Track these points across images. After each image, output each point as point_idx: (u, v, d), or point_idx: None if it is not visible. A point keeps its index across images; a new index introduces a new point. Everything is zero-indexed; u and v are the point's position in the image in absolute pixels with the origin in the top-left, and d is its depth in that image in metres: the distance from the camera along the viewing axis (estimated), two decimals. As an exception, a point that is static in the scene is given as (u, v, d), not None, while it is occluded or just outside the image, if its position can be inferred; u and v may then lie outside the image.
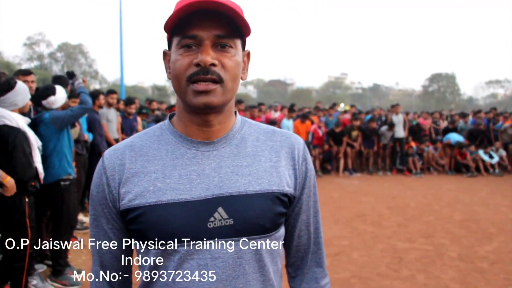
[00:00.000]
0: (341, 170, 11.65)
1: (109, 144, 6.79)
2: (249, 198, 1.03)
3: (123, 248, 1.13)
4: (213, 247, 1.01)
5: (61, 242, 4.22)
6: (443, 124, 13.83)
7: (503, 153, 12.22)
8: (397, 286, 4.21)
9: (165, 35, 1.08)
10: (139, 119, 7.88)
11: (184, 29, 1.00)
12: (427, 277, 4.42)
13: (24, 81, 4.09)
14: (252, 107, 11.58)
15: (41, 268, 4.31)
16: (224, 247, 1.01)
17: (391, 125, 11.78)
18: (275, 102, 13.88)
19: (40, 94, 4.37)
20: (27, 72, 4.42)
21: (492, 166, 12.01)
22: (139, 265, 1.11)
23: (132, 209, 1.03)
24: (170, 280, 1.02)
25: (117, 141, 7.06)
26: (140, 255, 1.09)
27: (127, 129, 7.49)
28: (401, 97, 68.28)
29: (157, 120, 8.66)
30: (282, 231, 1.12)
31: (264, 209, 1.04)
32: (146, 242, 1.04)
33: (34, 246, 3.65)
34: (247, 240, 1.03)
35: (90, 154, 6.06)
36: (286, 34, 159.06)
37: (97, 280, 1.15)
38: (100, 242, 1.12)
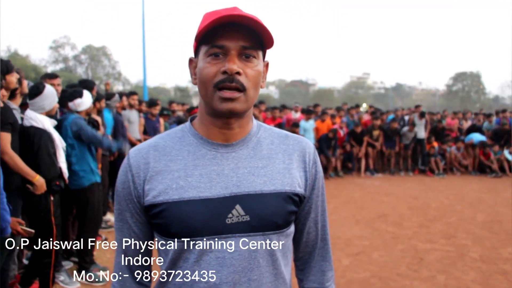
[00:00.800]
0: (363, 171, 11.61)
1: (132, 145, 6.94)
2: (264, 197, 1.12)
3: (146, 241, 1.21)
4: (230, 241, 1.10)
5: (86, 240, 4.39)
6: (467, 124, 13.64)
7: (529, 153, 11.98)
8: (417, 286, 4.21)
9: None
10: (161, 120, 8.02)
11: (213, 39, 1.08)
12: (447, 278, 4.41)
13: (51, 84, 4.25)
14: (274, 108, 11.63)
15: (68, 265, 4.45)
16: (241, 242, 1.10)
17: (413, 125, 11.71)
18: (295, 103, 13.84)
19: (68, 96, 4.53)
20: (53, 76, 4.58)
21: (517, 166, 11.79)
22: (160, 257, 1.19)
23: (156, 205, 1.11)
24: (190, 270, 1.11)
25: (139, 141, 7.20)
26: (161, 247, 1.16)
27: (150, 130, 7.63)
28: (424, 96, 67.46)
29: (179, 121, 8.79)
30: (292, 228, 1.21)
31: (277, 207, 1.13)
32: (168, 236, 1.12)
33: (60, 243, 3.80)
34: (261, 236, 1.12)
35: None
36: (308, 33, 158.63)
37: (120, 270, 1.23)
38: (124, 234, 1.20)
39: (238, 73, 1.08)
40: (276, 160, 1.18)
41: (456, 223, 6.66)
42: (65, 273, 4.08)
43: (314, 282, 1.32)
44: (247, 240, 1.11)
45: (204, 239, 1.09)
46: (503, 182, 10.75)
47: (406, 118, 12.97)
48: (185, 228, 1.09)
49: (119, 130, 6.27)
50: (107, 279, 4.25)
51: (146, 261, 1.24)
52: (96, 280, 4.18)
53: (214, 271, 1.09)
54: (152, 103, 7.91)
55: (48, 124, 3.59)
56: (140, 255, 1.22)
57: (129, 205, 1.17)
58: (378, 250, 5.32)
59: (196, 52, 1.16)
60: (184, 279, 1.12)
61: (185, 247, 1.11)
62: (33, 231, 3.19)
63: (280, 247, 1.16)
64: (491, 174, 11.60)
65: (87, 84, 5.61)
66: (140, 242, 1.21)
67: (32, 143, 3.45)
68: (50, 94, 3.67)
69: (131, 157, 1.18)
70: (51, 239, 3.53)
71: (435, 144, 11.98)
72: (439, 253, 5.18)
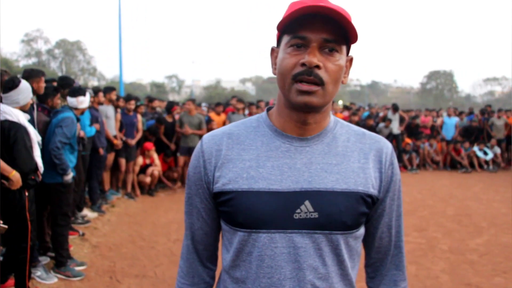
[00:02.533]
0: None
1: (108, 141, 6.91)
2: (335, 195, 1.08)
3: (213, 226, 1.21)
4: (297, 237, 1.06)
5: (60, 234, 4.36)
6: (440, 120, 13.96)
7: (497, 150, 12.38)
8: (389, 277, 4.34)
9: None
10: (139, 116, 8.00)
11: (295, 29, 1.05)
12: (418, 268, 4.56)
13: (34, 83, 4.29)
14: (251, 104, 11.70)
15: (44, 260, 4.43)
16: (307, 238, 1.06)
17: (389, 120, 11.92)
18: (273, 100, 13.92)
19: (72, 92, 4.60)
20: (40, 74, 4.53)
21: (487, 162, 12.18)
22: (223, 245, 1.19)
23: (225, 193, 1.10)
24: (254, 264, 1.09)
25: (115, 137, 7.18)
26: (226, 237, 1.16)
27: (128, 125, 7.61)
28: (399, 94, 68.50)
29: (158, 119, 8.77)
30: (362, 230, 1.15)
31: (348, 207, 1.08)
32: (234, 225, 1.10)
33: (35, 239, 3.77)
34: (328, 235, 1.07)
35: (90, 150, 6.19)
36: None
37: (188, 252, 1.25)
38: (192, 218, 1.21)
39: (318, 66, 1.03)
40: (351, 158, 1.13)
41: (428, 216, 6.87)
42: (42, 268, 4.07)
43: None
44: (313, 238, 1.07)
45: (270, 232, 1.07)
46: (473, 177, 11.09)
47: (381, 114, 13.23)
48: (252, 219, 1.07)
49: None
50: (84, 274, 4.26)
51: (213, 245, 1.25)
52: (73, 275, 4.18)
53: (278, 267, 1.07)
54: (128, 97, 7.89)
55: (22, 118, 3.56)
56: (207, 240, 1.23)
57: (199, 190, 1.17)
58: (352, 243, 5.43)
59: (278, 42, 1.13)
60: (248, 272, 1.10)
61: (249, 238, 1.08)
62: (6, 226, 3.18)
63: (347, 249, 1.11)
64: (462, 169, 11.94)
65: (67, 81, 5.61)
66: (208, 227, 1.20)
67: (7, 137, 3.42)
68: (25, 89, 3.65)
69: (204, 142, 1.17)
70: (26, 235, 3.52)
71: (409, 141, 12.24)
72: (411, 245, 5.34)
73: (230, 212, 1.10)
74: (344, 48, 1.08)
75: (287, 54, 1.06)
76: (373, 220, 1.19)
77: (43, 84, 4.46)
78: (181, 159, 8.62)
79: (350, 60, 1.16)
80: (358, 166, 1.13)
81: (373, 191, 1.12)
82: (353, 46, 1.14)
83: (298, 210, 1.06)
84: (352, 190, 1.09)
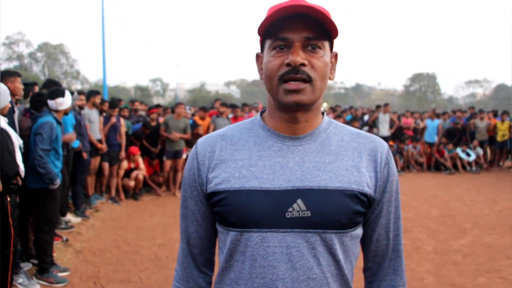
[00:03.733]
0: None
1: (91, 145, 6.83)
2: (328, 193, 1.07)
3: (208, 230, 1.20)
4: (289, 236, 1.05)
5: (44, 240, 4.29)
6: (423, 123, 14.08)
7: (480, 151, 12.56)
8: (374, 278, 4.36)
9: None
10: (122, 120, 7.92)
11: (276, 32, 1.06)
12: (403, 270, 4.58)
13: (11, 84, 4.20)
14: (235, 107, 11.63)
15: (26, 266, 4.36)
16: (300, 237, 1.05)
17: (371, 127, 12.00)
18: (255, 103, 13.92)
19: (49, 95, 4.51)
20: (14, 74, 4.46)
21: (469, 163, 12.34)
22: (219, 248, 1.18)
23: (217, 193, 1.10)
24: (246, 265, 1.08)
25: (99, 141, 7.10)
26: (220, 238, 1.15)
27: (110, 130, 7.52)
28: (383, 96, 68.97)
29: (144, 122, 8.70)
30: (359, 231, 1.13)
31: (341, 205, 1.06)
32: (226, 225, 1.10)
33: (18, 245, 3.70)
34: (322, 233, 1.06)
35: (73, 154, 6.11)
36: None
37: (183, 256, 1.23)
38: (187, 221, 1.20)
39: (303, 64, 1.04)
40: (344, 157, 1.12)
41: (413, 218, 6.92)
42: (23, 275, 4.00)
43: None
44: (306, 237, 1.05)
45: (262, 231, 1.06)
46: (457, 178, 11.22)
47: (366, 117, 13.29)
48: (243, 218, 1.06)
49: (76, 129, 6.15)
50: (68, 280, 4.19)
51: (208, 249, 1.23)
52: (56, 281, 4.11)
53: (271, 267, 1.06)
54: (112, 105, 7.68)
55: (3, 122, 3.50)
56: (202, 243, 1.21)
57: (193, 192, 1.17)
58: (338, 245, 5.45)
59: (262, 47, 1.14)
60: (240, 273, 1.09)
61: (242, 238, 1.08)
62: None
63: (343, 249, 1.09)
64: (446, 171, 12.08)
65: (53, 82, 5.55)
66: (203, 230, 1.20)
67: (-12, 141, 3.36)
68: (3, 92, 3.58)
69: (198, 145, 1.18)
70: (9, 241, 3.45)
71: (391, 143, 12.34)
72: (395, 247, 5.37)
73: (223, 212, 1.10)
74: (326, 44, 1.10)
75: (271, 57, 1.07)
76: (370, 222, 1.17)
77: (19, 85, 4.39)
78: (167, 163, 8.55)
79: (335, 56, 1.18)
80: (352, 164, 1.12)
81: (368, 190, 1.11)
82: (337, 47, 1.15)
83: (291, 209, 1.05)
84: (345, 188, 1.08)
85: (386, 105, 12.78)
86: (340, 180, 1.08)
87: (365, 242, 1.20)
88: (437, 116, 13.95)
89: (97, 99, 7.15)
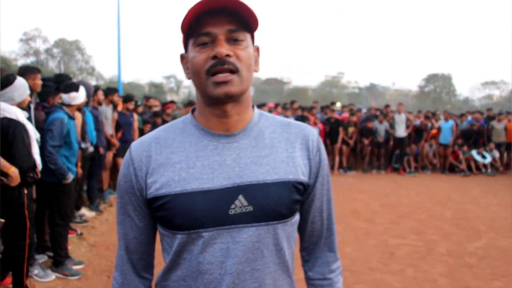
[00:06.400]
0: (336, 168, 11.79)
1: (107, 140, 6.91)
2: (267, 186, 1.11)
3: (148, 234, 1.20)
4: (234, 232, 1.08)
5: (59, 233, 4.33)
6: (436, 124, 13.93)
7: (496, 154, 12.39)
8: (387, 279, 4.35)
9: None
10: (135, 115, 7.99)
11: (198, 28, 1.08)
12: (416, 271, 4.56)
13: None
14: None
15: (42, 258, 4.42)
16: (244, 232, 1.09)
17: (382, 115, 11.97)
18: (270, 103, 13.92)
19: (63, 89, 4.54)
20: (36, 70, 4.50)
21: (485, 166, 12.19)
22: (164, 249, 1.18)
23: (159, 198, 1.10)
24: (194, 262, 1.10)
25: (112, 138, 7.17)
26: (165, 241, 1.16)
27: (126, 125, 7.60)
28: (397, 97, 68.48)
29: (155, 112, 8.78)
30: (297, 217, 1.19)
31: (281, 197, 1.11)
32: (172, 228, 1.11)
33: (34, 237, 3.76)
34: (265, 226, 1.10)
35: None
36: (283, 32, 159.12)
37: (122, 263, 1.22)
38: (126, 228, 1.19)
39: (228, 55, 1.07)
40: (278, 149, 1.16)
41: (426, 219, 6.87)
42: (39, 267, 4.05)
43: (318, 274, 1.29)
44: (251, 231, 1.09)
45: (208, 231, 1.08)
46: (471, 180, 11.10)
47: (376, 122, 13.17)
48: (189, 220, 1.08)
49: (95, 124, 6.22)
50: (82, 273, 4.24)
51: (148, 254, 1.23)
52: (71, 274, 4.16)
53: (219, 262, 1.09)
54: (127, 98, 7.88)
55: (21, 115, 3.55)
56: (142, 249, 1.21)
57: (131, 198, 1.16)
58: (350, 245, 5.44)
59: (186, 47, 1.16)
60: (188, 270, 1.11)
61: (189, 239, 1.09)
62: (3, 220, 3.17)
63: (285, 236, 1.15)
64: (460, 173, 11.95)
65: (62, 78, 5.58)
66: (142, 235, 1.19)
67: (6, 134, 3.41)
68: (21, 86, 3.63)
69: (133, 150, 1.17)
70: (24, 233, 3.51)
71: (414, 147, 12.24)
72: (409, 248, 5.34)
73: (167, 216, 1.10)
74: (248, 36, 1.12)
75: (197, 53, 1.09)
76: (305, 206, 1.23)
77: (39, 81, 4.44)
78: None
79: (257, 49, 1.20)
80: (286, 155, 1.16)
81: (304, 178, 1.17)
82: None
83: (233, 206, 1.08)
84: (283, 179, 1.12)
85: (387, 106, 12.68)
86: (277, 172, 1.13)
87: (301, 224, 1.25)
88: (460, 116, 13.81)
89: (115, 97, 7.20)
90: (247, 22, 1.11)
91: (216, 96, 1.09)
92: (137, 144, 1.18)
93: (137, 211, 1.17)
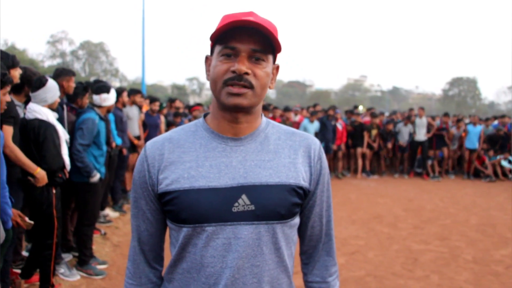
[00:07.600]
0: (359, 172, 11.69)
1: (130, 141, 6.99)
2: (269, 188, 1.20)
3: (158, 227, 1.30)
4: (236, 229, 1.17)
5: (85, 233, 4.39)
6: (461, 129, 13.65)
7: (523, 159, 12.09)
8: (411, 285, 4.29)
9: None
10: (162, 117, 8.09)
11: (226, 40, 1.17)
12: (441, 278, 4.49)
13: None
14: (265, 109, 11.52)
15: (67, 257, 4.49)
16: (245, 229, 1.17)
17: (407, 119, 11.82)
18: (295, 107, 13.89)
19: (95, 90, 4.65)
20: (71, 73, 4.59)
21: (511, 171, 11.91)
22: (171, 243, 1.27)
23: (168, 193, 1.20)
24: (198, 255, 1.18)
25: (138, 138, 7.26)
26: (173, 235, 1.25)
27: (152, 126, 7.69)
28: (420, 100, 67.65)
29: (176, 112, 8.93)
30: (297, 220, 1.28)
31: (281, 199, 1.20)
32: (179, 222, 1.20)
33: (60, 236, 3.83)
34: (265, 224, 1.19)
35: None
36: (306, 35, 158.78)
37: (134, 253, 1.31)
38: (138, 220, 1.29)
39: (247, 73, 1.16)
40: (282, 155, 1.25)
41: (450, 225, 6.75)
42: (65, 266, 4.13)
43: (317, 276, 1.37)
44: (251, 228, 1.17)
45: (212, 225, 1.16)
46: (497, 186, 10.85)
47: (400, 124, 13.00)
48: (194, 215, 1.17)
49: (117, 125, 6.30)
50: (106, 272, 4.30)
51: (158, 246, 1.33)
52: (95, 273, 4.23)
53: (220, 256, 1.17)
54: (152, 99, 8.01)
55: (51, 117, 3.64)
56: (153, 241, 1.30)
57: (144, 193, 1.25)
58: (373, 249, 5.39)
59: (212, 51, 1.25)
60: (192, 263, 1.19)
61: (194, 233, 1.18)
62: (32, 222, 3.24)
63: (284, 237, 1.23)
64: (486, 178, 11.71)
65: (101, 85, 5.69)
66: (153, 228, 1.29)
67: (37, 135, 3.51)
68: (53, 87, 3.72)
69: (147, 148, 1.26)
70: (52, 232, 3.58)
71: (437, 152, 12.04)
72: (433, 254, 5.26)
73: (175, 210, 1.19)
74: (270, 57, 1.22)
75: (219, 62, 1.18)
76: (305, 211, 1.32)
77: (72, 84, 4.53)
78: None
79: (277, 68, 1.30)
80: (289, 161, 1.25)
81: (304, 183, 1.25)
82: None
83: (236, 204, 1.17)
84: (284, 183, 1.21)
85: (411, 109, 12.49)
86: (279, 175, 1.22)
87: (301, 228, 1.35)
88: (485, 120, 13.55)
89: (138, 98, 7.30)
90: (271, 45, 1.20)
91: (228, 106, 1.19)
92: (152, 143, 1.28)
93: (149, 205, 1.26)
